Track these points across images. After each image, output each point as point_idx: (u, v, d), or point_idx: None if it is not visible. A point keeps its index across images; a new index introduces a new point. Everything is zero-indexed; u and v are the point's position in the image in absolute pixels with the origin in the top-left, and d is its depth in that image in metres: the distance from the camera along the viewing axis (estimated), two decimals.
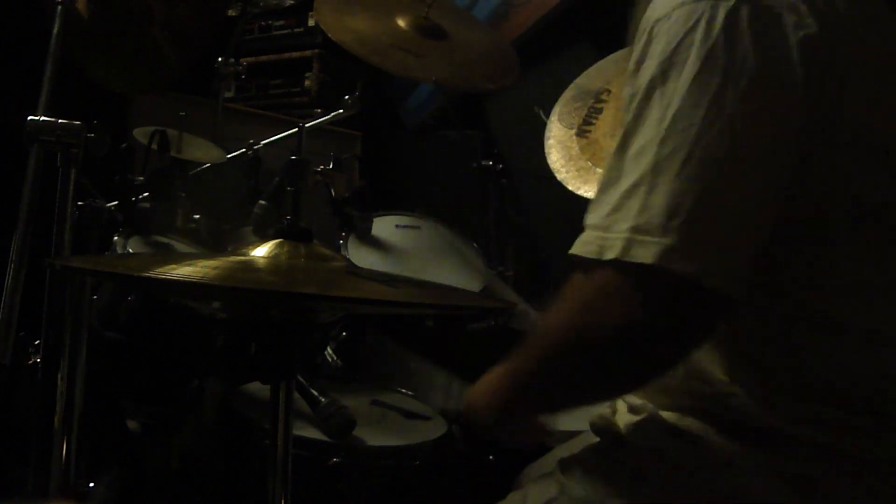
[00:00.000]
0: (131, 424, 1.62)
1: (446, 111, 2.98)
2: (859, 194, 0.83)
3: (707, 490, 0.87)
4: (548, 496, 0.99)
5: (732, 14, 0.77)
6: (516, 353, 0.94)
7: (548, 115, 1.89)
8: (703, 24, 0.78)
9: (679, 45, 0.79)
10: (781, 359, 0.86)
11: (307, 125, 2.00)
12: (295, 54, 3.04)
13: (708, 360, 0.87)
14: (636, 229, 0.77)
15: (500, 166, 2.27)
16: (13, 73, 1.87)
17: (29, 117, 1.20)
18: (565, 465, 1.02)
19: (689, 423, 0.90)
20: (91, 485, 1.35)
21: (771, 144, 0.78)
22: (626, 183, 0.79)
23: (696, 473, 0.88)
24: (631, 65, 0.84)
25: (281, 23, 3.09)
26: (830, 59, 0.79)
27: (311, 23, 3.00)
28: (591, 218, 0.82)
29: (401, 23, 1.96)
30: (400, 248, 1.94)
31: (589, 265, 0.81)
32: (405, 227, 2.01)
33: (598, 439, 1.02)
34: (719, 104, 0.76)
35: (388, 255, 1.90)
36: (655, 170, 0.77)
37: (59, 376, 1.23)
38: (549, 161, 1.85)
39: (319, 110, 2.49)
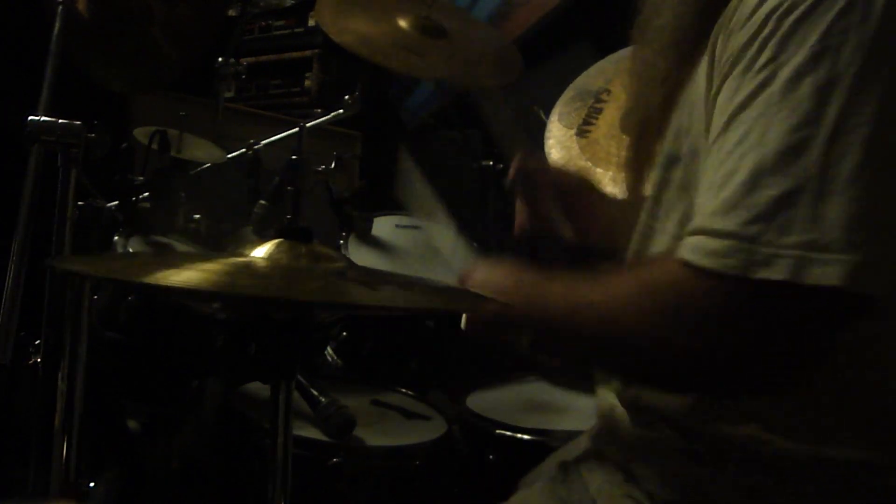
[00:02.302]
0: (131, 424, 1.62)
1: (446, 111, 2.98)
2: None
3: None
4: None
5: None
6: (570, 291, 0.82)
7: (548, 115, 1.89)
8: (858, 6, 0.68)
9: (829, 30, 0.68)
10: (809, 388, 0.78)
11: (307, 125, 2.00)
12: (295, 54, 3.04)
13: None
14: (809, 245, 0.66)
15: (500, 166, 2.27)
16: (13, 73, 1.87)
17: (29, 117, 1.20)
18: (568, 473, 1.01)
19: (700, 447, 0.85)
20: (91, 485, 1.35)
21: None
22: (780, 186, 0.67)
23: (706, 490, 0.85)
24: (736, 45, 0.73)
25: (281, 23, 3.09)
26: None
27: (311, 23, 3.00)
28: (720, 221, 0.70)
29: (402, 23, 1.96)
30: (400, 248, 1.94)
31: (716, 279, 0.69)
32: (405, 227, 2.01)
33: (591, 443, 1.01)
34: (891, 99, 0.67)
35: (388, 255, 1.91)
36: (824, 174, 0.66)
37: (59, 376, 1.23)
38: (549, 161, 1.85)
39: (319, 110, 2.48)
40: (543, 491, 1.03)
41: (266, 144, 2.05)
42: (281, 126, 2.18)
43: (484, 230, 2.25)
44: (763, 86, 0.70)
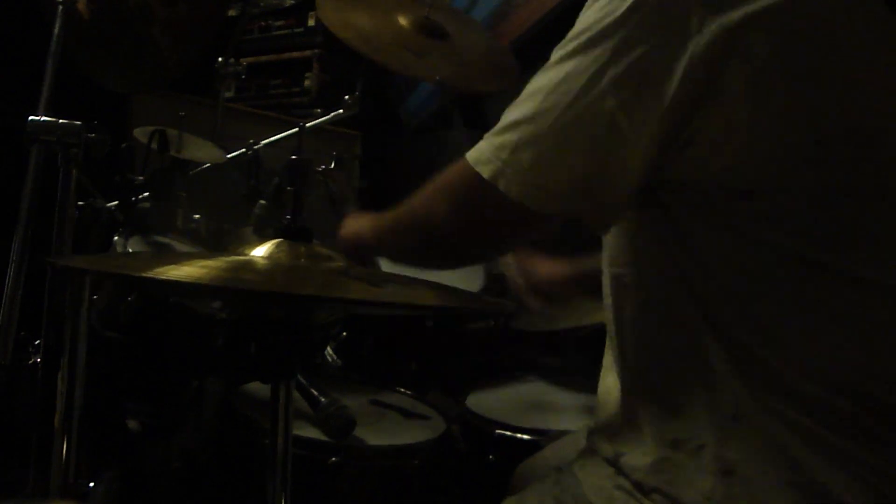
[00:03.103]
0: (131, 424, 1.63)
1: (446, 111, 2.98)
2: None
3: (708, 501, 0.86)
4: None
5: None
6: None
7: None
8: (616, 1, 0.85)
9: (598, 14, 0.86)
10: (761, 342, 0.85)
11: (307, 125, 2.00)
12: (295, 54, 3.04)
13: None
14: (500, 147, 0.91)
15: None
16: (13, 73, 1.87)
17: (29, 117, 1.20)
18: (560, 475, 1.02)
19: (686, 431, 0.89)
20: (91, 485, 1.35)
21: (660, 113, 0.83)
22: (513, 114, 0.92)
23: (695, 483, 0.87)
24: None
25: (281, 23, 3.09)
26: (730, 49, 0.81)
27: (311, 23, 3.00)
28: (491, 132, 0.94)
29: (402, 21, 1.96)
30: None
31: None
32: None
33: (586, 444, 1.02)
34: (599, 73, 0.84)
35: None
36: (532, 117, 0.89)
37: (59, 376, 1.23)
38: None
39: (319, 110, 2.48)
40: (536, 493, 1.04)
41: (266, 144, 2.04)
42: (281, 126, 2.18)
43: None
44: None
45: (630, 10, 0.83)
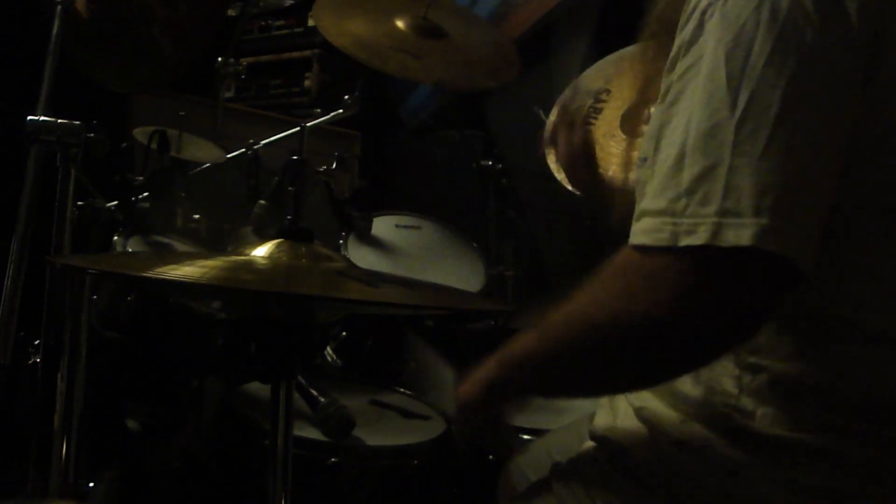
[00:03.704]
0: (131, 424, 1.63)
1: (446, 111, 2.98)
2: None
3: (713, 500, 0.86)
4: None
5: None
6: (522, 336, 0.92)
7: (547, 115, 1.88)
8: (767, 4, 0.76)
9: (743, 26, 0.76)
10: (795, 364, 0.83)
11: (307, 125, 2.00)
12: (295, 54, 3.04)
13: (718, 369, 0.86)
14: (724, 212, 0.74)
15: (500, 166, 2.27)
16: (13, 73, 1.87)
17: (29, 117, 1.20)
18: (562, 476, 1.02)
19: (695, 429, 0.88)
20: (91, 485, 1.35)
21: (844, 125, 0.77)
22: (698, 165, 0.76)
23: (701, 483, 0.86)
24: (674, 50, 0.82)
25: (281, 23, 3.09)
26: (881, 28, 0.77)
27: (310, 23, 3.00)
28: (654, 202, 0.78)
29: (399, 24, 1.96)
30: (400, 248, 1.94)
31: (652, 252, 0.77)
32: (405, 227, 2.01)
33: (591, 444, 1.02)
34: (798, 84, 0.74)
35: (388, 255, 1.91)
36: (735, 151, 0.74)
37: (59, 376, 1.23)
38: (549, 162, 1.85)
39: (319, 110, 2.48)
40: (539, 493, 1.03)
41: (266, 144, 2.04)
42: (281, 126, 2.18)
43: (484, 230, 2.25)
44: (689, 82, 0.79)
45: None
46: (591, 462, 0.99)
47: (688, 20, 0.81)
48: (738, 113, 0.75)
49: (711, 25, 0.78)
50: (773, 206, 0.73)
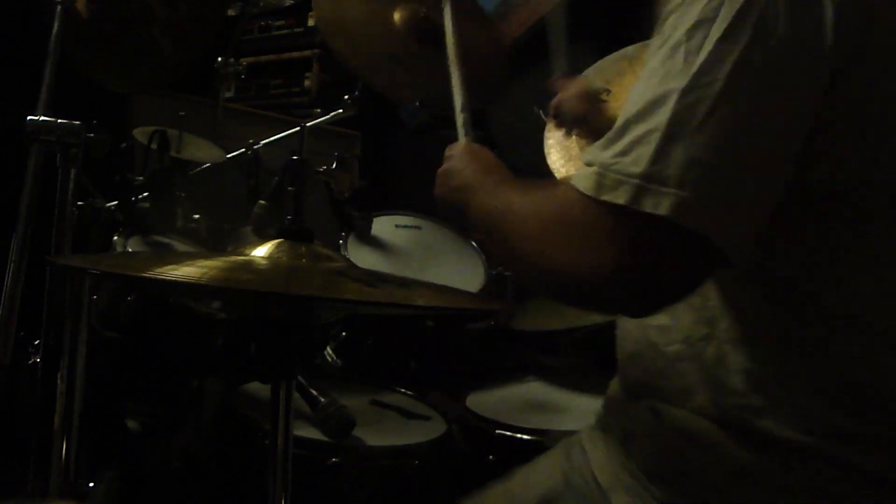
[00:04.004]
0: (131, 424, 1.62)
1: (446, 111, 2.97)
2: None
3: (719, 497, 0.86)
4: (552, 484, 0.99)
5: None
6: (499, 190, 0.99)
7: (547, 115, 1.88)
8: None
9: (707, 4, 0.77)
10: (802, 362, 0.83)
11: (307, 125, 2.00)
12: (295, 54, 3.04)
13: (727, 369, 0.86)
14: (648, 177, 0.75)
15: None
16: (13, 73, 1.87)
17: (29, 117, 1.20)
18: (571, 449, 1.03)
19: (703, 425, 0.88)
20: (91, 485, 1.35)
21: (794, 105, 0.76)
22: (639, 129, 0.77)
23: (707, 480, 0.87)
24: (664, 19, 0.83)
25: (281, 23, 3.09)
26: (866, 27, 0.76)
27: (311, 23, 3.00)
28: (597, 155, 0.80)
29: (397, 18, 1.94)
30: (400, 248, 1.94)
31: (580, 198, 0.80)
32: (405, 227, 2.01)
33: (602, 434, 1.02)
34: (746, 61, 0.74)
35: (388, 255, 1.91)
36: (674, 120, 0.75)
37: (59, 376, 1.23)
38: (549, 161, 1.85)
39: (319, 110, 2.48)
40: (547, 466, 1.05)
41: (266, 144, 2.04)
42: (281, 126, 2.18)
43: None
44: (653, 57, 0.80)
45: None
46: (598, 435, 1.00)
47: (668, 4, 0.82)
48: (682, 85, 0.75)
49: (680, 7, 0.80)
50: (699, 181, 0.73)
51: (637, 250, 0.77)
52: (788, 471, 0.82)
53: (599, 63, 1.92)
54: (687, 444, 0.88)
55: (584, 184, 0.79)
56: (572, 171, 1.79)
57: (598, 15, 2.48)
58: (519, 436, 1.47)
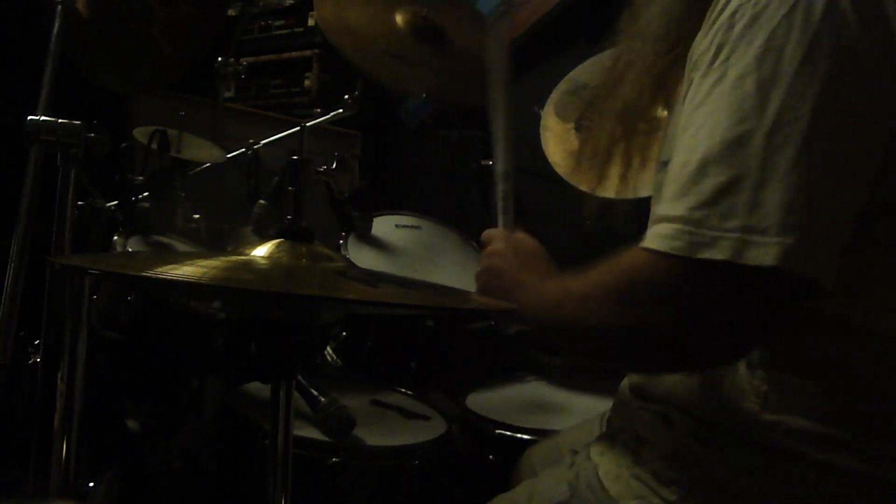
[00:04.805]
0: (131, 424, 1.62)
1: (446, 111, 2.98)
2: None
3: (731, 500, 0.85)
4: (557, 496, 0.98)
5: None
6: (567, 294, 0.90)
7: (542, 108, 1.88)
8: (801, 6, 0.73)
9: (776, 29, 0.73)
10: (818, 374, 0.82)
11: (307, 125, 2.00)
12: (295, 54, 3.04)
13: (738, 376, 0.85)
14: (749, 229, 0.71)
15: None
16: (13, 73, 1.87)
17: (29, 117, 1.20)
18: (576, 457, 1.02)
19: (716, 430, 0.87)
20: (91, 485, 1.35)
21: (877, 128, 0.74)
22: (722, 175, 0.73)
23: (721, 482, 0.86)
24: (700, 51, 0.79)
25: (281, 23, 3.09)
26: None
27: (311, 23, 3.00)
28: (672, 208, 0.76)
29: (399, 20, 1.95)
30: (400, 248, 1.94)
31: (665, 260, 0.76)
32: (405, 227, 2.01)
33: (610, 441, 1.01)
34: (829, 93, 0.71)
35: (388, 255, 1.91)
36: (763, 164, 0.71)
37: (59, 376, 1.23)
38: (547, 153, 1.84)
39: (319, 110, 2.48)
40: (551, 476, 1.04)
41: (266, 144, 2.04)
42: (281, 126, 2.18)
43: (484, 230, 2.25)
44: (715, 85, 0.76)
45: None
46: (605, 446, 0.99)
47: (716, 20, 0.79)
48: (767, 123, 0.72)
49: (741, 28, 0.76)
50: (800, 225, 0.71)
51: (741, 303, 0.74)
52: (797, 476, 0.82)
53: (594, 57, 1.91)
54: (700, 449, 0.87)
55: (671, 244, 0.75)
56: (570, 163, 1.77)
57: (598, 15, 2.48)
58: (519, 436, 1.47)
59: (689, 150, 0.76)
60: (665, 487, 0.89)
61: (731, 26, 0.77)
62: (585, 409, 1.57)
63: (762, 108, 0.72)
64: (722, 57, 0.76)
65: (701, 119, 0.76)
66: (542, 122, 1.88)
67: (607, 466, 0.96)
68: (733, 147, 0.73)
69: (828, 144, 0.72)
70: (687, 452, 0.88)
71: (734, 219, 0.72)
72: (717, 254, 0.72)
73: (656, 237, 0.77)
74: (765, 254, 0.71)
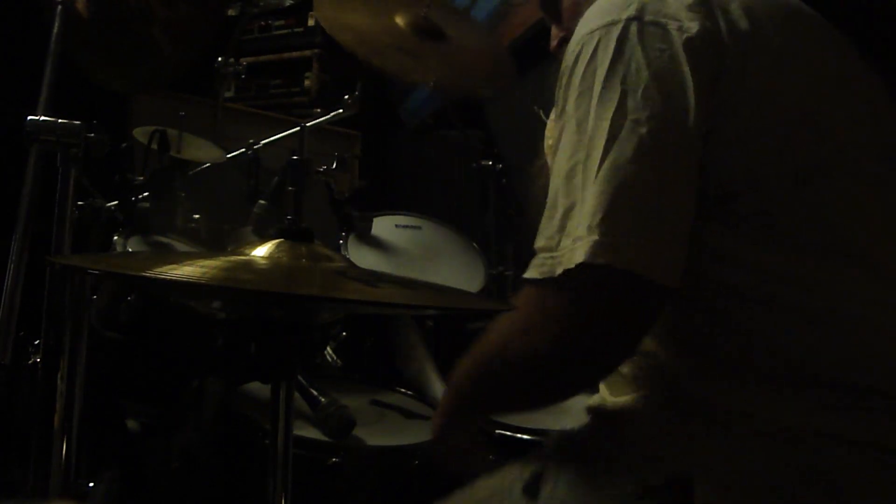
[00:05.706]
0: (131, 424, 1.62)
1: (446, 111, 2.98)
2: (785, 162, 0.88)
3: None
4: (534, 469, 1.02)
5: (623, 33, 0.86)
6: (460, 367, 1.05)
7: (547, 115, 1.88)
8: (601, 48, 0.87)
9: (584, 74, 0.87)
10: (722, 341, 0.89)
11: (307, 125, 2.00)
12: (295, 54, 3.04)
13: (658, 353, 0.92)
14: (576, 239, 0.83)
15: (500, 166, 2.27)
16: (13, 73, 1.87)
17: (29, 117, 1.20)
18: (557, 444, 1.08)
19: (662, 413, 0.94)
20: (91, 485, 1.35)
21: (675, 135, 0.84)
22: (566, 204, 0.86)
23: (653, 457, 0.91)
24: (559, 100, 0.92)
25: (281, 23, 3.09)
26: (718, 51, 0.86)
27: (311, 23, 3.00)
28: (539, 240, 0.89)
29: (399, 21, 1.95)
30: (400, 248, 1.94)
31: (539, 284, 0.87)
32: (405, 227, 2.01)
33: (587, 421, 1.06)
34: (621, 111, 0.83)
35: (388, 255, 1.91)
36: (585, 185, 0.84)
37: (59, 376, 1.23)
38: (549, 161, 1.85)
39: (319, 110, 2.48)
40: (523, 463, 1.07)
41: (266, 144, 2.04)
42: (281, 126, 2.18)
43: (484, 230, 2.25)
44: (561, 132, 0.90)
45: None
46: (585, 434, 1.05)
47: (563, 73, 0.92)
48: (584, 151, 0.85)
49: (565, 81, 0.90)
50: (602, 222, 0.81)
51: (600, 304, 0.85)
52: (717, 434, 0.87)
53: None
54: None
55: (541, 270, 0.87)
56: None
57: None
58: (519, 436, 1.47)
59: (550, 189, 0.90)
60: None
61: (566, 75, 0.91)
62: (585, 410, 1.57)
63: (580, 141, 0.86)
64: (561, 104, 0.91)
65: (555, 162, 0.90)
66: (546, 132, 1.88)
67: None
68: (568, 179, 0.86)
69: (621, 153, 0.83)
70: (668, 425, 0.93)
71: (571, 236, 0.84)
72: (567, 265, 0.84)
73: (531, 268, 0.89)
74: (575, 254, 0.82)
